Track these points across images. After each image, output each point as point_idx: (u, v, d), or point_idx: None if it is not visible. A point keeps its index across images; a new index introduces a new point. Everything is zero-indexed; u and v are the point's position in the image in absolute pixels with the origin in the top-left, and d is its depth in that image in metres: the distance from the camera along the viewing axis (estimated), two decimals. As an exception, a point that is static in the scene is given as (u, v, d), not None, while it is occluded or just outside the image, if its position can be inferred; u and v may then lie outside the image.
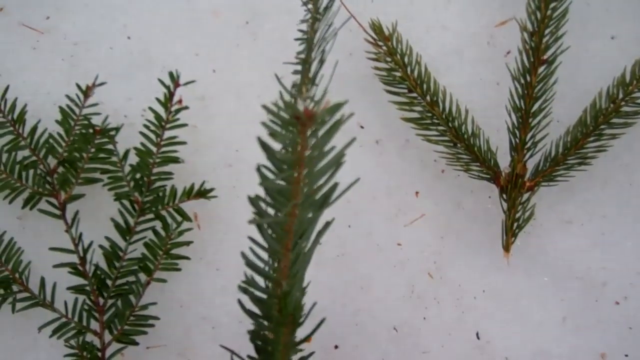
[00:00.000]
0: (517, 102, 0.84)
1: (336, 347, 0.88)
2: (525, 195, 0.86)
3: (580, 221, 0.89)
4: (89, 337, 0.84)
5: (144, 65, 0.91)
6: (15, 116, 0.86)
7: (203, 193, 0.86)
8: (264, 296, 0.55)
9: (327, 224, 0.51)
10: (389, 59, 0.86)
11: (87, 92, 0.85)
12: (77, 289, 0.84)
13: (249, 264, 0.52)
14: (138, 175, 0.85)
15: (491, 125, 0.89)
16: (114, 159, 0.85)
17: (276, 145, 0.40)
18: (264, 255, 0.54)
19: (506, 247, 0.86)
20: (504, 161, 0.87)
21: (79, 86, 0.86)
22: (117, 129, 0.86)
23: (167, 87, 0.84)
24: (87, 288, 0.84)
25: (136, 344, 0.84)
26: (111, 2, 0.92)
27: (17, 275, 0.84)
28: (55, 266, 0.84)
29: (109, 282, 0.84)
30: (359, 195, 0.89)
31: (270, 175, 0.41)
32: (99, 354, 0.83)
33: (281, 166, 0.39)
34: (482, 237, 0.89)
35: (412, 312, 0.88)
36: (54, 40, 0.91)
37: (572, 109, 0.88)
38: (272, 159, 0.40)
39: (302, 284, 0.54)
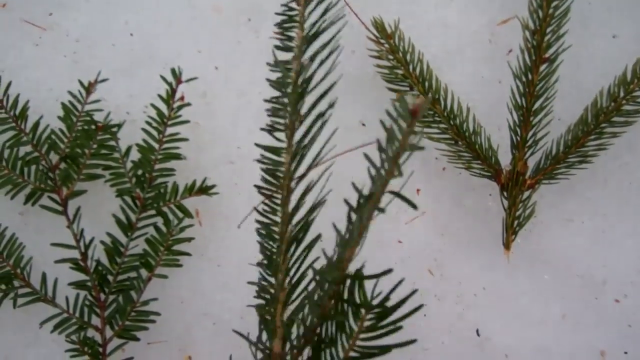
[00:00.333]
0: (519, 100, 0.84)
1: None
2: (526, 193, 0.86)
3: (580, 219, 0.89)
4: (90, 332, 0.84)
5: (146, 62, 0.91)
6: (17, 112, 0.86)
7: (205, 189, 0.86)
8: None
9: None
10: (390, 57, 0.86)
11: (89, 88, 0.85)
12: (78, 285, 0.84)
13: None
14: (140, 172, 0.85)
15: (492, 123, 0.89)
16: (116, 155, 0.85)
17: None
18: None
19: (507, 245, 0.86)
20: (505, 159, 0.87)
21: (81, 82, 0.86)
22: (119, 126, 0.87)
23: (169, 84, 0.84)
24: (89, 284, 0.84)
25: (137, 339, 0.84)
26: (113, -1, 0.92)
27: (18, 270, 0.84)
28: (57, 262, 0.84)
29: (110, 278, 0.85)
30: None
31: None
32: (100, 349, 0.83)
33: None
34: (482, 234, 0.89)
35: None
36: (56, 37, 0.91)
37: (573, 107, 0.88)
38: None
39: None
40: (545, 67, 0.83)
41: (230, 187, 0.89)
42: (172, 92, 0.84)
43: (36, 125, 0.86)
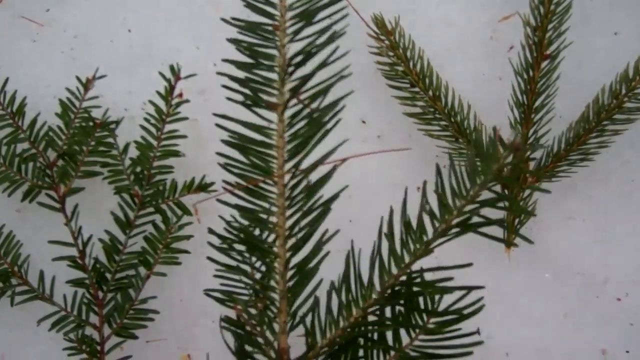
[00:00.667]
0: (520, 97, 0.84)
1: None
2: (527, 191, 0.85)
3: (581, 217, 0.89)
4: (88, 330, 0.84)
5: (144, 59, 0.91)
6: (14, 109, 0.85)
7: (203, 187, 0.85)
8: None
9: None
10: (391, 54, 0.85)
11: (87, 85, 0.85)
12: (76, 283, 0.84)
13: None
14: (138, 169, 0.85)
15: (493, 121, 0.88)
16: (114, 152, 0.85)
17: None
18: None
19: (507, 244, 0.86)
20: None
21: (79, 79, 0.86)
22: (117, 122, 0.86)
23: (168, 81, 0.83)
24: (87, 281, 0.84)
25: (136, 337, 0.84)
26: (112, -5, 0.92)
27: (16, 268, 0.84)
28: (55, 259, 0.84)
29: (108, 276, 0.84)
30: (361, 191, 0.89)
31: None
32: (98, 347, 0.83)
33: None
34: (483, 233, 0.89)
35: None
36: (54, 33, 0.91)
37: (574, 105, 0.87)
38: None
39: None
40: (546, 64, 0.83)
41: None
42: (171, 88, 0.83)
43: (34, 122, 0.86)
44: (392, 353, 0.56)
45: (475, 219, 0.51)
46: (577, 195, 0.89)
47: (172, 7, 0.92)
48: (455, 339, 0.56)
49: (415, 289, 0.55)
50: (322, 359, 0.58)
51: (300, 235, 0.58)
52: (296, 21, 0.56)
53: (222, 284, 0.64)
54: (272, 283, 0.59)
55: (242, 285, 0.62)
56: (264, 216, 0.58)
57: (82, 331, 0.83)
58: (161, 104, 0.84)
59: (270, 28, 0.56)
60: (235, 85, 0.60)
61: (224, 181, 0.59)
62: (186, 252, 0.86)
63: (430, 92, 0.85)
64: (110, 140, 0.85)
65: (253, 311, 0.58)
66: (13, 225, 0.87)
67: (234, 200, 0.59)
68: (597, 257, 0.88)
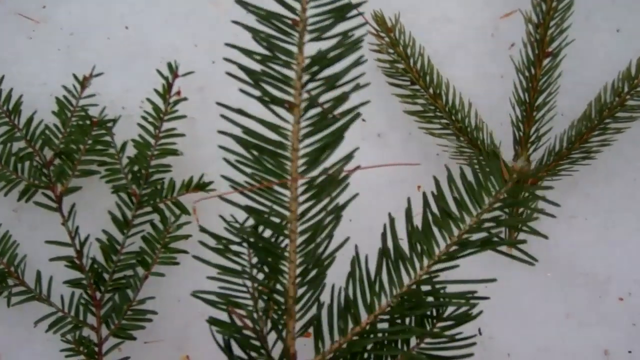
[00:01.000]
0: (522, 95, 0.84)
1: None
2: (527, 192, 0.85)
3: (584, 216, 0.88)
4: (86, 331, 0.83)
5: (142, 56, 0.90)
6: (10, 107, 0.85)
7: (202, 186, 0.85)
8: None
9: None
10: (391, 51, 0.85)
11: (84, 82, 0.85)
12: (73, 283, 0.83)
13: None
14: (136, 168, 0.84)
15: (495, 119, 0.88)
16: (112, 151, 0.85)
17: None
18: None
19: (509, 242, 0.85)
20: (507, 155, 0.86)
21: (75, 77, 0.85)
22: (115, 121, 0.86)
23: (166, 78, 0.83)
24: (84, 282, 0.83)
25: (134, 338, 0.83)
26: (109, -9, 0.91)
27: (12, 268, 0.83)
28: (52, 259, 0.83)
29: (106, 276, 0.84)
30: (361, 189, 0.88)
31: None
32: (96, 348, 0.82)
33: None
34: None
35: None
36: (50, 30, 0.90)
37: (576, 103, 0.87)
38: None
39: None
40: (548, 62, 0.82)
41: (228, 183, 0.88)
42: (169, 86, 0.83)
43: (30, 120, 0.85)
44: (399, 356, 0.56)
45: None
46: (579, 194, 0.89)
47: (170, 4, 0.91)
48: (456, 341, 0.56)
49: (429, 298, 0.55)
50: None
51: (315, 241, 0.56)
52: (320, 19, 0.54)
53: (220, 287, 0.63)
54: (279, 287, 0.58)
55: (241, 288, 0.61)
56: (277, 220, 0.56)
57: (79, 332, 0.83)
58: (159, 102, 0.83)
59: (289, 22, 0.53)
60: (236, 84, 0.58)
61: (230, 180, 0.57)
62: (184, 252, 0.85)
63: (431, 90, 0.84)
64: (108, 138, 0.85)
65: (255, 315, 0.57)
66: (9, 225, 0.86)
67: (242, 200, 0.58)
68: (599, 256, 0.88)
